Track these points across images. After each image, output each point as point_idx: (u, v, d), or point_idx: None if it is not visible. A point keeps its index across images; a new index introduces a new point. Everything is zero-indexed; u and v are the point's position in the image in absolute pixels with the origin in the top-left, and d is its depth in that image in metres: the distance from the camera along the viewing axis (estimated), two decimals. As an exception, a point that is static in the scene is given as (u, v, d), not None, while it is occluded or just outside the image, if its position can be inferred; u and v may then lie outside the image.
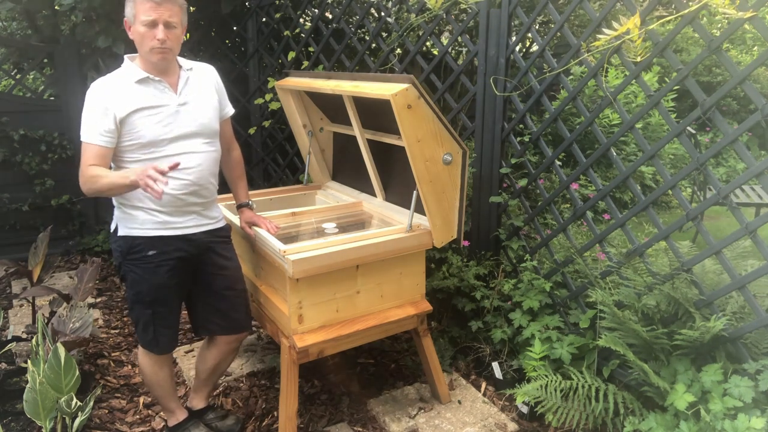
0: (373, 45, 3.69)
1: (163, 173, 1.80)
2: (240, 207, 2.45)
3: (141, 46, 2.01)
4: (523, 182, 2.84)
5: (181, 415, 2.39)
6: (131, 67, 2.06)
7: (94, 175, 1.96)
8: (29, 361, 2.16)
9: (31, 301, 3.23)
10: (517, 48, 2.78)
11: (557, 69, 2.54)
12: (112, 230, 2.17)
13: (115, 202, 2.14)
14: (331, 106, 2.96)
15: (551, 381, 2.28)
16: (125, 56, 2.11)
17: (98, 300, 3.81)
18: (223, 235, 2.30)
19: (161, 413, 2.61)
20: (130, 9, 1.99)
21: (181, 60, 2.16)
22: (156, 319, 2.16)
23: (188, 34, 4.85)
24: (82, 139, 2.00)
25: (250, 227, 2.40)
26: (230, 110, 2.35)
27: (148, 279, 2.10)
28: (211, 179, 2.20)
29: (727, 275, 2.13)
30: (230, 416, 2.52)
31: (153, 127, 2.02)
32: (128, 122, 1.99)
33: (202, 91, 2.17)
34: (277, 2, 4.45)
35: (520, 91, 2.77)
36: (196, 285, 2.25)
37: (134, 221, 2.09)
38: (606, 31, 2.23)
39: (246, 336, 2.44)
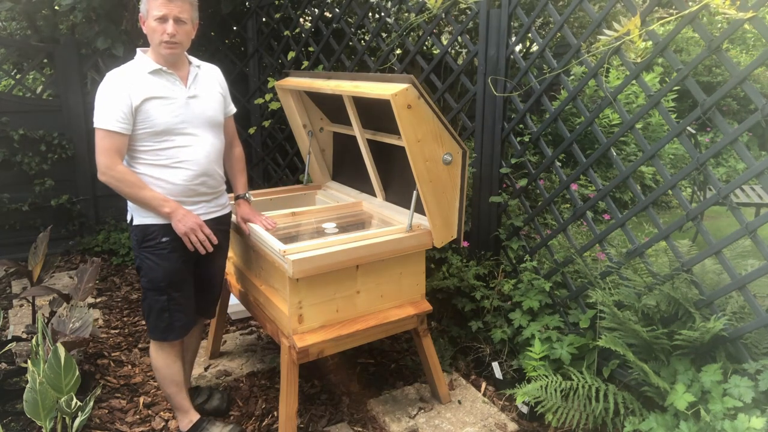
0: (373, 45, 3.69)
1: (209, 239, 2.18)
2: (237, 198, 2.52)
3: (152, 39, 2.11)
4: (523, 182, 2.84)
5: (194, 416, 2.38)
6: (144, 59, 2.15)
7: (129, 180, 2.09)
8: (29, 361, 2.15)
9: (31, 301, 3.23)
10: (517, 48, 2.78)
11: (557, 69, 2.54)
12: (128, 221, 2.25)
13: None
14: (331, 106, 2.96)
15: (551, 381, 2.28)
16: (138, 49, 2.19)
17: (98, 300, 3.81)
18: (226, 222, 2.44)
19: (161, 413, 2.61)
20: (144, 4, 2.09)
21: (191, 57, 2.28)
22: (171, 304, 2.23)
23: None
24: (99, 126, 2.05)
25: (245, 223, 2.44)
26: (233, 108, 2.45)
27: (162, 265, 2.18)
28: (218, 169, 2.31)
29: (727, 275, 2.13)
30: (215, 396, 2.62)
31: (165, 117, 2.12)
32: (142, 110, 2.08)
33: (209, 87, 2.29)
34: (277, 2, 4.45)
35: (519, 92, 2.77)
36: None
37: (147, 210, 2.16)
38: (607, 32, 2.23)
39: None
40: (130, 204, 2.22)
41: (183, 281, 2.24)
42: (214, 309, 2.57)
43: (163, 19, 2.06)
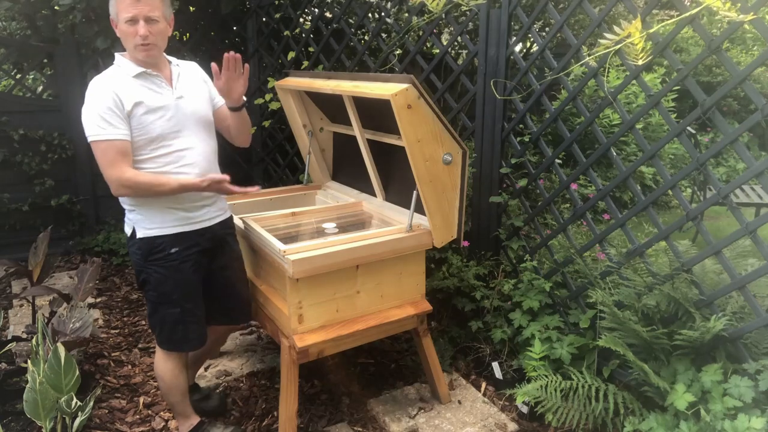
0: (373, 45, 3.69)
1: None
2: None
3: (126, 43, 2.01)
4: (523, 182, 2.84)
5: (195, 419, 2.37)
6: (126, 63, 2.05)
7: (144, 182, 1.98)
8: (29, 361, 2.16)
9: (31, 301, 3.23)
10: (518, 48, 2.77)
11: (557, 70, 2.54)
12: (128, 235, 2.14)
13: (127, 206, 2.12)
14: (331, 106, 2.96)
15: (551, 381, 2.28)
16: (116, 54, 2.09)
17: (98, 300, 3.81)
18: (231, 225, 2.38)
19: (161, 413, 2.61)
20: (113, 8, 1.99)
21: (169, 57, 2.19)
22: (186, 315, 2.17)
23: (188, 34, 4.85)
24: (97, 138, 1.93)
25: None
26: (220, 100, 2.29)
27: (173, 276, 2.12)
28: (217, 168, 2.25)
29: (727, 275, 2.13)
30: (213, 396, 2.62)
31: (158, 122, 2.03)
32: (134, 116, 1.98)
33: (193, 85, 2.20)
34: (277, 2, 4.45)
35: (522, 95, 2.77)
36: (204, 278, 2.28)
37: (152, 221, 2.08)
38: (607, 35, 2.23)
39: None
40: (129, 216, 2.12)
41: (195, 291, 2.19)
42: (245, 315, 2.47)
43: (133, 21, 1.94)
